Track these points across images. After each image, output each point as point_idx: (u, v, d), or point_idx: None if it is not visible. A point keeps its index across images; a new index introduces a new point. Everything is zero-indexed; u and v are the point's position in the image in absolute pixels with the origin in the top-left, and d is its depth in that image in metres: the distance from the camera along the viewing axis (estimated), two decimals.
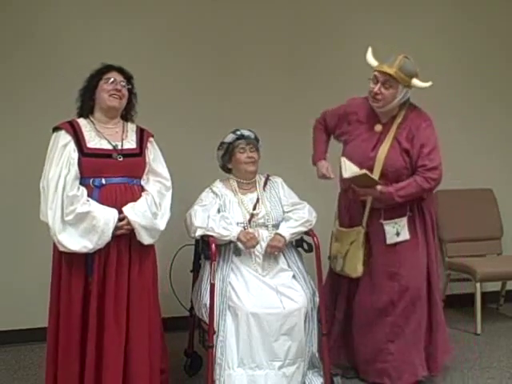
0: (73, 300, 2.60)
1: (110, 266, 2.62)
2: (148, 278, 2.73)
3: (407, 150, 2.92)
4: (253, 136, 3.21)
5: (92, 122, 2.74)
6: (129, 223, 2.62)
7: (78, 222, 2.55)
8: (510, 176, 4.55)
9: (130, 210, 2.63)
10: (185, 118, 4.00)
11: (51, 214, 2.54)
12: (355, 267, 3.01)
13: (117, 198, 2.64)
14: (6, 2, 3.81)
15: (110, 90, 2.71)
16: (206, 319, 2.90)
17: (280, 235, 3.03)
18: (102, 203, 2.60)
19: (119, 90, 2.72)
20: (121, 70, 2.79)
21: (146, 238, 2.67)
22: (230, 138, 3.18)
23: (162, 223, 2.73)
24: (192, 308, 3.22)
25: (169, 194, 2.81)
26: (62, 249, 2.56)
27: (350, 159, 2.98)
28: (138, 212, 2.64)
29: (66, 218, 2.54)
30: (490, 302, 4.42)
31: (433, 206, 3.09)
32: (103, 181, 2.63)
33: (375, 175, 2.92)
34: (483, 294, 4.05)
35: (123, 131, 2.78)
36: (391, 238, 2.97)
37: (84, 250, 2.55)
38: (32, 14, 3.83)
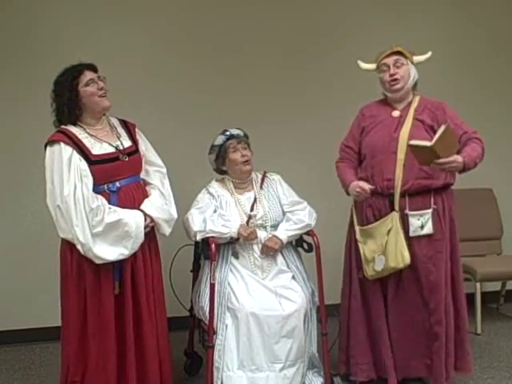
0: (105, 306, 2.60)
1: (138, 264, 2.66)
2: (159, 273, 2.83)
3: (432, 126, 2.89)
4: (242, 134, 3.17)
5: (82, 127, 2.68)
6: (152, 220, 2.68)
7: (108, 232, 2.54)
8: (510, 176, 4.55)
9: (150, 207, 2.69)
10: (184, 117, 4.00)
11: (80, 230, 2.50)
12: (401, 255, 2.82)
13: (134, 199, 2.68)
14: (5, 2, 3.82)
15: (97, 92, 2.65)
16: (206, 319, 2.90)
17: (277, 237, 3.03)
18: (122, 206, 2.61)
19: (102, 88, 2.68)
20: (89, 66, 2.70)
21: (167, 230, 2.78)
22: (220, 139, 3.13)
23: (174, 211, 2.81)
24: (192, 308, 3.22)
25: (167, 181, 2.87)
26: (98, 261, 2.55)
27: (374, 145, 2.95)
28: (158, 208, 2.72)
29: (94, 231, 2.53)
30: (489, 301, 4.41)
31: (453, 203, 2.99)
32: (117, 184, 2.64)
33: (400, 154, 2.85)
34: (483, 294, 4.05)
35: (112, 129, 2.76)
36: (415, 231, 2.87)
37: (121, 258, 2.58)
38: (32, 14, 3.83)
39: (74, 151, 2.57)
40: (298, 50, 4.17)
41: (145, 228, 2.65)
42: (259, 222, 3.07)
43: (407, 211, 2.88)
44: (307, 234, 3.10)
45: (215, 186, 3.16)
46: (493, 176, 4.45)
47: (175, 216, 2.82)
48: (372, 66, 2.99)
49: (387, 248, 2.88)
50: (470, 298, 3.99)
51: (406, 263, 2.84)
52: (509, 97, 4.53)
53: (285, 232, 3.05)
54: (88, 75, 2.66)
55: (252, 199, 3.12)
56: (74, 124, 2.68)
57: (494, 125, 4.49)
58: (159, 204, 2.74)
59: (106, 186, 2.62)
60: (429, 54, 2.94)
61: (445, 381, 2.93)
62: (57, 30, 3.85)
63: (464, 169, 2.82)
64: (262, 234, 3.05)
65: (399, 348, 2.98)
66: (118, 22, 3.94)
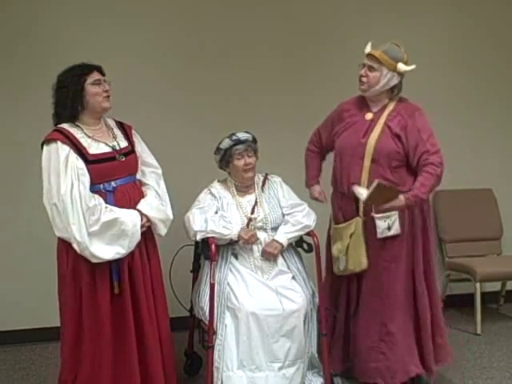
0: (101, 307, 2.59)
1: (135, 263, 2.67)
2: (159, 273, 2.85)
3: (398, 135, 2.90)
4: (250, 138, 3.12)
5: (79, 126, 2.68)
6: (148, 220, 2.69)
7: (104, 231, 2.54)
8: (510, 176, 4.55)
9: (146, 207, 2.70)
10: (184, 117, 3.99)
11: (76, 228, 2.49)
12: (359, 260, 2.94)
13: (130, 199, 2.68)
14: (5, 2, 3.81)
15: (102, 93, 2.68)
16: (206, 320, 2.91)
17: (277, 242, 3.03)
18: (119, 206, 2.62)
19: (107, 91, 2.71)
20: (98, 68, 2.73)
21: (163, 230, 2.80)
22: (226, 143, 3.08)
23: (169, 212, 2.83)
24: (192, 308, 3.22)
25: (162, 182, 2.89)
26: (95, 260, 2.54)
27: (343, 148, 3.01)
28: (154, 208, 2.73)
29: (90, 230, 2.52)
30: (489, 302, 4.41)
31: (426, 204, 3.02)
32: (113, 184, 2.65)
33: (367, 160, 2.91)
34: (483, 295, 4.05)
35: (108, 130, 2.77)
36: (382, 233, 2.91)
37: (117, 257, 2.57)
38: (32, 14, 3.83)
39: (71, 150, 2.57)
40: (297, 50, 4.16)
41: (141, 227, 2.66)
42: (259, 224, 3.07)
43: (373, 214, 2.90)
44: (307, 234, 3.10)
45: (217, 187, 3.16)
46: (493, 176, 4.45)
47: (171, 217, 2.83)
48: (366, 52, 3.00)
49: (348, 251, 2.99)
50: (470, 298, 4.00)
51: (363, 268, 2.95)
52: (509, 97, 4.53)
53: (284, 235, 3.05)
54: (96, 75, 2.70)
55: (253, 202, 3.11)
56: (72, 122, 2.68)
57: (494, 125, 4.50)
58: (155, 204, 2.75)
59: (102, 186, 2.63)
60: (412, 66, 2.91)
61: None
62: (57, 30, 3.84)
63: (409, 206, 2.84)
64: (263, 235, 3.05)
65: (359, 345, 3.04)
66: (117, 22, 3.94)
